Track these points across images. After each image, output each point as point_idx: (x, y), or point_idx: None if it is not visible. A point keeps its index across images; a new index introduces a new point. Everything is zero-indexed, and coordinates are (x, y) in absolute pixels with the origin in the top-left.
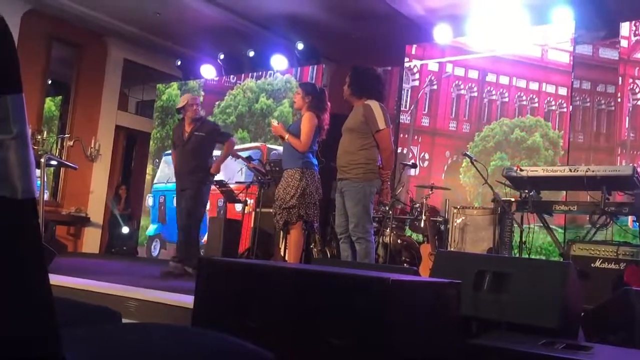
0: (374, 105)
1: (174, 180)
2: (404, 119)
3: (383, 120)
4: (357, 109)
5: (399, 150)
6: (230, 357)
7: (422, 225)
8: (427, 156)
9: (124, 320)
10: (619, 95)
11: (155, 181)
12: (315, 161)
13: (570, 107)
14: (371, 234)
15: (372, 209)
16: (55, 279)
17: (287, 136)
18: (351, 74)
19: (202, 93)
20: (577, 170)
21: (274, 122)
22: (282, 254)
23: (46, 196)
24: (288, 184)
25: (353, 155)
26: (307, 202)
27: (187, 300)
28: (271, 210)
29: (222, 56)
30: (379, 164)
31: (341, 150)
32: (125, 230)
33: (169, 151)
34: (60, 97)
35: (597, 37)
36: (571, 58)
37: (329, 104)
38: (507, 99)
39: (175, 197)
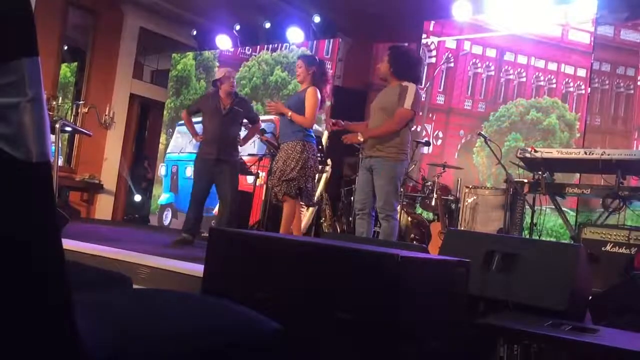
0: (411, 86)
1: (188, 150)
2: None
3: (411, 102)
4: (392, 89)
5: (413, 128)
6: (237, 324)
7: (433, 203)
8: (440, 134)
9: (135, 287)
10: (638, 78)
11: (168, 151)
12: (313, 135)
13: (589, 89)
14: (397, 212)
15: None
16: (68, 244)
17: (289, 113)
18: (392, 53)
19: (217, 64)
20: (593, 153)
21: (271, 101)
22: (291, 228)
23: (60, 162)
24: (288, 156)
25: (387, 134)
26: (307, 175)
27: (197, 269)
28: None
29: (237, 27)
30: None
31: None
32: (137, 198)
33: (182, 122)
34: (75, 64)
35: (619, 19)
36: (592, 39)
37: (330, 76)
38: (524, 79)
39: (198, 165)
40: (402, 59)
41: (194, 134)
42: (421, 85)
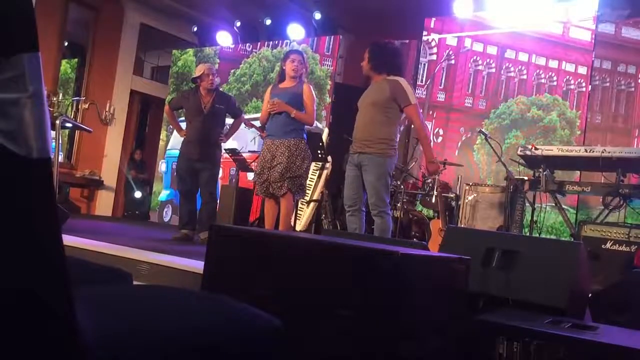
0: (402, 81)
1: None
2: (420, 93)
3: (413, 95)
4: (379, 84)
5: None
6: (237, 321)
7: (433, 200)
8: (441, 132)
9: (135, 283)
10: (639, 76)
11: (168, 147)
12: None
13: (590, 86)
14: (389, 207)
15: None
16: (68, 240)
17: (293, 112)
18: (370, 49)
19: (218, 60)
20: (593, 151)
21: (275, 99)
22: (291, 223)
23: (60, 158)
24: (292, 153)
25: (376, 130)
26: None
27: (197, 266)
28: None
29: (238, 24)
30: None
31: (362, 124)
32: (137, 194)
33: (182, 118)
34: (76, 60)
35: (621, 16)
36: (593, 36)
37: None
38: (525, 77)
39: (181, 163)
40: (378, 54)
41: (179, 129)
42: (402, 75)
